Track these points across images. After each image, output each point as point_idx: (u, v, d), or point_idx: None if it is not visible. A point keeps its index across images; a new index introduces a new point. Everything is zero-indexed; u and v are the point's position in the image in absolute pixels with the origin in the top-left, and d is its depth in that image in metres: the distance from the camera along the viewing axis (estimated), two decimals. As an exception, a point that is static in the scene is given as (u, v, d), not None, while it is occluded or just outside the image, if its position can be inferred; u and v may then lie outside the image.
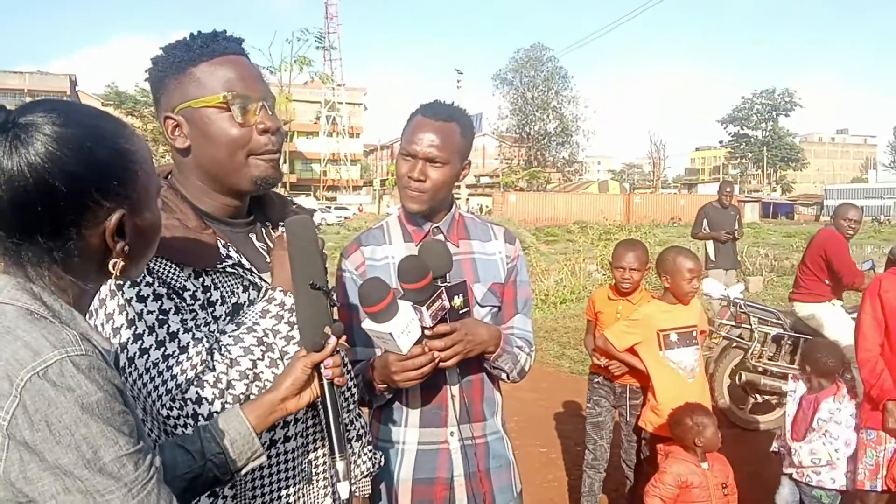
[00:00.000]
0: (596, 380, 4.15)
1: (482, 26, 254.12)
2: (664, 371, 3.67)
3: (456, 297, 1.82)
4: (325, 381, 1.35)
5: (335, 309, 1.47)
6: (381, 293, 1.65)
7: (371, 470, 1.83)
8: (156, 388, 1.33)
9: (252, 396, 1.38)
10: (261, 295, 1.52)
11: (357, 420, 1.79)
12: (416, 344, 1.75)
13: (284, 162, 56.02)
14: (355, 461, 1.78)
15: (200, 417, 1.33)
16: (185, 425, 1.33)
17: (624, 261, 4.06)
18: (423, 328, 1.75)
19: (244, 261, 1.51)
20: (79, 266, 1.02)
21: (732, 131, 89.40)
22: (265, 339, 1.43)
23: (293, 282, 1.41)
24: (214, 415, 1.33)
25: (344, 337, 1.43)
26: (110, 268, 1.05)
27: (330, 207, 49.49)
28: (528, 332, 2.14)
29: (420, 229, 2.08)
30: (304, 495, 1.57)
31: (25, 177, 0.94)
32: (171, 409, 1.33)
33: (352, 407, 1.76)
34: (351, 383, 1.73)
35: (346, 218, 45.02)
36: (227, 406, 1.35)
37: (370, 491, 1.85)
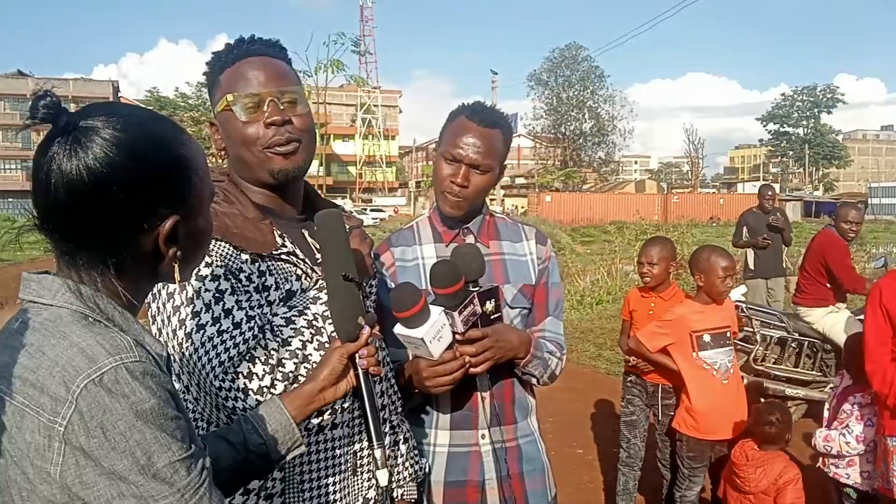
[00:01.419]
0: (629, 379, 4.14)
1: (517, 27, 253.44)
2: (698, 373, 3.64)
3: (488, 302, 1.80)
4: (360, 371, 1.38)
5: (367, 300, 1.49)
6: (413, 298, 1.65)
7: (417, 475, 1.85)
8: (209, 360, 1.39)
9: (301, 377, 1.42)
10: (312, 284, 1.57)
11: (403, 424, 1.82)
12: (447, 349, 1.74)
13: (320, 164, 56.82)
14: (403, 463, 1.81)
15: (250, 392, 1.38)
16: (235, 398, 1.39)
17: (644, 255, 4.07)
18: (455, 333, 1.74)
19: (298, 251, 1.57)
20: (132, 270, 1.03)
21: (773, 129, 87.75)
22: (315, 322, 1.48)
23: (324, 274, 1.44)
24: (264, 389, 1.38)
25: (377, 327, 1.45)
26: (171, 272, 1.06)
27: (366, 209, 49.73)
28: (559, 335, 2.11)
29: (450, 230, 2.06)
30: (349, 485, 1.62)
31: (83, 180, 0.95)
32: (223, 381, 1.39)
33: (398, 408, 1.79)
34: (391, 381, 1.76)
35: (381, 220, 45.21)
36: (276, 382, 1.40)
37: (416, 496, 1.85)
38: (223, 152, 1.65)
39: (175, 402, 0.98)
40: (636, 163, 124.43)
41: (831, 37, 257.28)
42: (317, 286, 1.54)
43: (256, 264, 1.51)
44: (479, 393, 1.97)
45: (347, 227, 1.53)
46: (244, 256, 1.50)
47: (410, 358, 1.89)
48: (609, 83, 66.76)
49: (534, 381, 2.02)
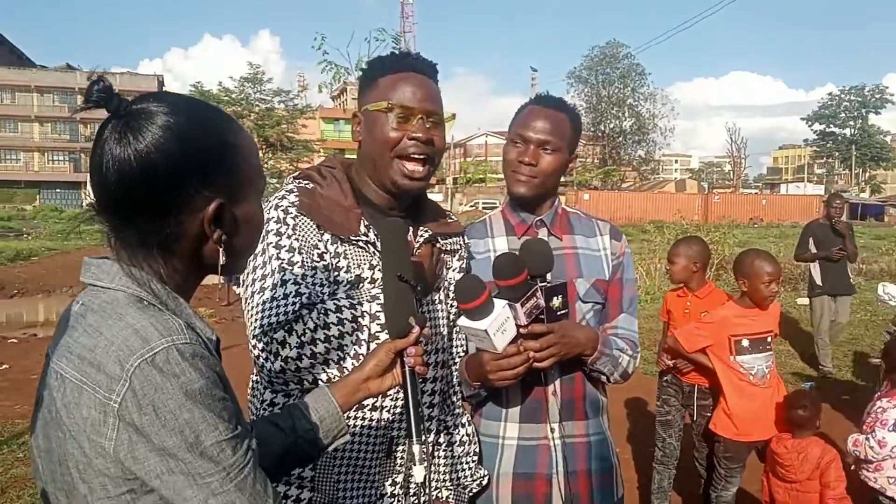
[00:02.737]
0: (665, 378, 4.13)
1: (558, 24, 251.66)
2: (734, 376, 3.62)
3: (555, 298, 1.80)
4: (406, 369, 1.41)
5: (422, 305, 1.55)
6: (477, 289, 1.66)
7: (471, 482, 1.89)
8: (257, 320, 1.55)
9: (331, 361, 1.52)
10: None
11: (462, 428, 1.89)
12: (511, 343, 1.75)
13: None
14: (458, 464, 1.88)
15: (279, 357, 1.51)
16: (265, 359, 1.52)
17: (669, 253, 4.06)
18: (518, 327, 1.74)
19: (379, 243, 1.63)
20: (180, 253, 1.07)
21: (818, 129, 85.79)
22: (361, 319, 1.56)
23: (383, 273, 1.50)
24: (289, 359, 1.50)
25: (427, 329, 1.49)
26: (215, 256, 1.09)
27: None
28: (632, 332, 2.07)
29: (523, 222, 2.06)
30: (381, 465, 1.69)
31: (132, 162, 0.99)
32: (259, 340, 1.53)
33: (455, 409, 1.87)
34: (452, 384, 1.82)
35: (419, 215, 45.19)
36: (303, 357, 1.51)
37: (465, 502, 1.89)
38: (359, 144, 1.78)
39: (223, 384, 1.02)
40: (676, 162, 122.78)
41: (881, 35, 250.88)
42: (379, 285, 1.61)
43: (335, 245, 1.65)
44: (549, 387, 1.97)
45: (422, 238, 1.74)
46: (326, 236, 1.63)
47: (473, 351, 1.90)
48: (650, 81, 66.25)
49: (603, 378, 2.00)
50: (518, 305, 1.72)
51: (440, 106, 1.76)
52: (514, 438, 2.00)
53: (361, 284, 1.64)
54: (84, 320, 1.01)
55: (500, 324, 1.70)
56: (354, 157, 1.86)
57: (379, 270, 1.63)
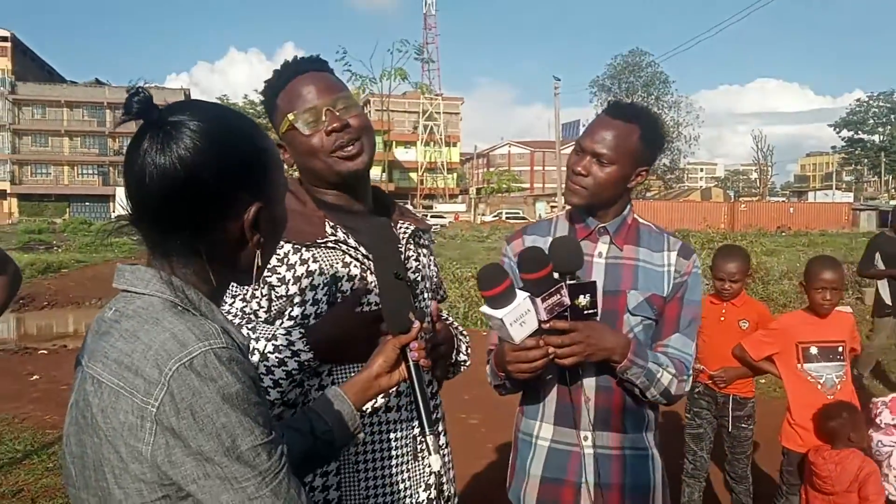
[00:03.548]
0: (697, 390, 4.05)
1: (580, 33, 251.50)
2: (801, 385, 3.51)
3: (582, 297, 1.78)
4: (411, 363, 1.43)
5: (417, 300, 1.57)
6: (497, 278, 1.68)
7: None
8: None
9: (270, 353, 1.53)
10: (365, 270, 1.67)
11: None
12: (530, 336, 1.74)
13: (383, 170, 57.43)
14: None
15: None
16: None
17: (722, 270, 3.96)
18: (540, 321, 1.74)
19: (351, 240, 1.66)
20: (218, 259, 1.08)
21: (846, 136, 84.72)
22: (262, 360, 1.53)
23: (376, 274, 1.52)
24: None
25: (427, 323, 1.51)
26: (252, 259, 1.11)
27: (426, 215, 50.08)
28: (685, 354, 1.97)
29: (586, 227, 2.02)
30: (409, 470, 1.68)
31: (177, 170, 1.00)
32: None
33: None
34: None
35: (442, 226, 45.44)
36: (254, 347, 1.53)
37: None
38: (293, 168, 1.77)
39: (257, 389, 1.02)
40: (702, 170, 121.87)
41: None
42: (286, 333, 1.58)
43: (299, 253, 1.63)
44: (583, 392, 1.93)
45: (406, 233, 1.74)
46: (286, 247, 1.63)
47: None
48: (674, 89, 65.79)
49: (636, 391, 1.92)
50: (539, 300, 1.72)
51: (340, 89, 1.73)
52: (546, 440, 1.99)
53: (340, 284, 1.64)
54: (119, 325, 1.01)
55: (520, 315, 1.70)
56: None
57: (354, 267, 1.66)
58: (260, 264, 1.12)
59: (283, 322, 1.62)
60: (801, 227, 40.56)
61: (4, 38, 62.63)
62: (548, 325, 1.74)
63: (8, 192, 61.31)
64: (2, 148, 62.20)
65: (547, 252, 1.80)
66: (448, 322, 1.80)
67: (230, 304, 1.60)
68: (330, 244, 1.65)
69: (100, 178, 63.61)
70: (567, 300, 1.75)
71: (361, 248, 1.66)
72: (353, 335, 1.56)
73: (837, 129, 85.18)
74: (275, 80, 1.73)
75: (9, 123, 61.84)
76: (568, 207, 2.12)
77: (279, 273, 1.61)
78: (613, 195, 1.98)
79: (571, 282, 1.78)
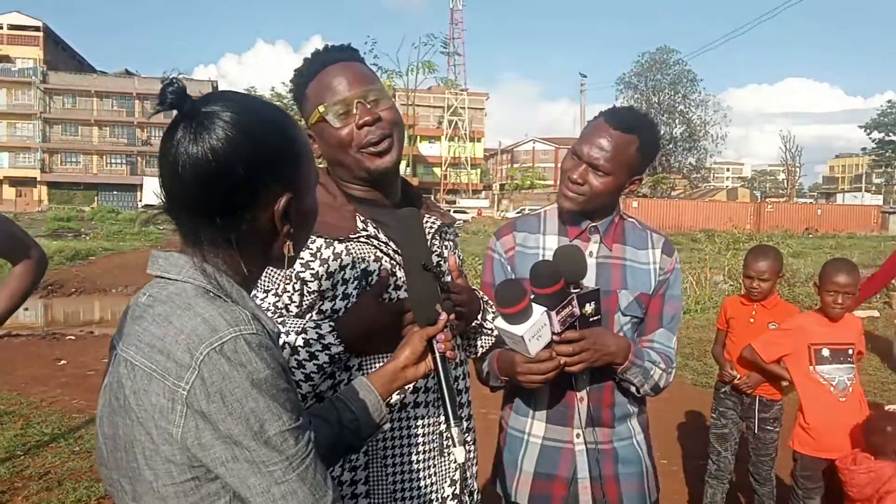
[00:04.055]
0: (723, 390, 4.01)
1: (607, 30, 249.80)
2: (813, 387, 3.49)
3: (588, 305, 1.80)
4: (437, 355, 1.43)
5: (443, 289, 1.56)
6: (517, 296, 1.68)
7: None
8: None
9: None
10: (396, 265, 1.66)
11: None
12: (544, 349, 1.76)
13: (407, 165, 57.55)
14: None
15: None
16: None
17: (752, 269, 3.91)
18: (553, 333, 1.75)
19: (381, 235, 1.66)
20: (249, 248, 1.10)
21: (877, 138, 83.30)
22: (293, 354, 1.53)
23: (404, 265, 1.51)
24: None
25: (453, 315, 1.51)
26: (283, 249, 1.12)
27: (449, 210, 49.97)
28: (669, 347, 2.05)
29: (577, 226, 2.04)
30: (434, 465, 1.69)
31: (209, 160, 1.02)
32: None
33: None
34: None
35: (465, 221, 45.38)
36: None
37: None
38: (321, 160, 1.74)
39: (286, 375, 1.03)
40: (728, 170, 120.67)
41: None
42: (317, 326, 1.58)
43: (332, 248, 1.62)
44: (576, 393, 1.97)
45: (433, 228, 1.73)
46: (318, 241, 1.61)
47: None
48: (702, 87, 65.12)
49: (633, 389, 1.99)
50: (553, 314, 1.73)
51: (372, 80, 1.70)
52: (539, 437, 2.03)
53: (371, 278, 1.63)
54: (152, 310, 1.03)
55: (537, 330, 1.72)
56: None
57: (385, 262, 1.65)
58: (291, 253, 1.14)
59: (312, 316, 1.62)
60: (829, 229, 40.01)
61: (37, 28, 63.56)
62: (560, 337, 1.76)
63: (38, 179, 62.23)
64: (32, 136, 63.13)
65: (552, 260, 1.82)
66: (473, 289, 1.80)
67: (262, 300, 1.59)
68: (361, 239, 1.64)
69: (128, 167, 64.33)
70: (577, 311, 1.78)
71: (391, 244, 1.65)
72: (381, 325, 1.56)
73: (868, 131, 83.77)
74: (305, 68, 1.70)
75: (39, 112, 62.73)
76: (556, 205, 2.13)
77: (312, 269, 1.60)
78: (607, 203, 2.02)
79: (576, 290, 1.80)
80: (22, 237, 2.78)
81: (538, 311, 1.72)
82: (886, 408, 5.26)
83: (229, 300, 1.04)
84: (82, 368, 7.66)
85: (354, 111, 1.64)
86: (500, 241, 2.12)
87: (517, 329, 1.70)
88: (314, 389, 1.55)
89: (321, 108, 1.65)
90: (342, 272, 1.62)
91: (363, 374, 1.59)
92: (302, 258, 1.58)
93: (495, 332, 1.86)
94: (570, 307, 1.76)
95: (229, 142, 1.03)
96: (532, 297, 1.74)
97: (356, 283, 1.62)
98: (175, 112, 1.05)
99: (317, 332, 1.53)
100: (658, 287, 2.04)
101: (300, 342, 1.52)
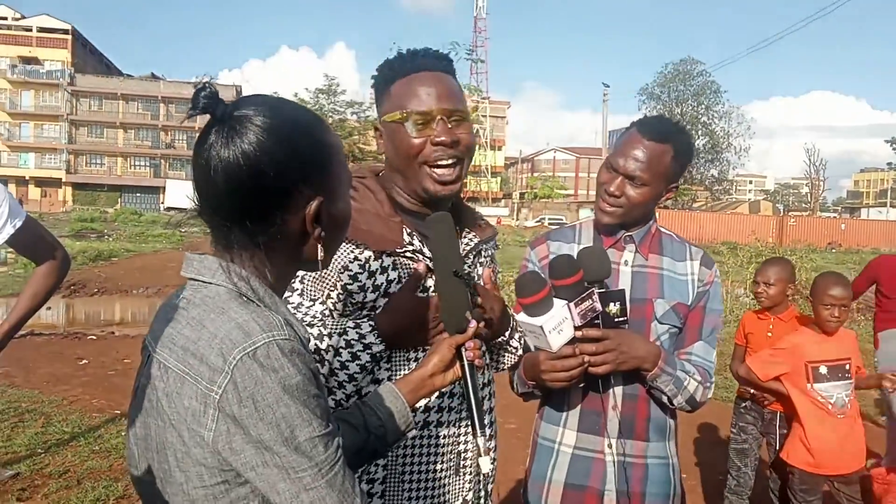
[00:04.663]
0: (743, 405, 3.99)
1: (631, 40, 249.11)
2: (812, 406, 3.45)
3: (612, 304, 1.79)
4: (465, 363, 1.42)
5: (474, 297, 1.54)
6: (536, 286, 1.68)
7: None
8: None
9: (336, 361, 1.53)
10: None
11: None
12: (567, 345, 1.75)
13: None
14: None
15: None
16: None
17: (760, 275, 3.94)
18: (575, 329, 1.74)
19: (425, 249, 1.63)
20: (280, 251, 1.10)
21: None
22: (336, 356, 1.53)
23: (435, 271, 1.50)
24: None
25: (483, 323, 1.49)
26: (315, 253, 1.12)
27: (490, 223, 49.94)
28: (708, 361, 2.01)
29: (612, 236, 2.04)
30: (450, 483, 1.67)
31: (240, 164, 1.02)
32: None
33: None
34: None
35: (484, 229, 45.20)
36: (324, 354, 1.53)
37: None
38: (385, 156, 1.71)
39: (316, 382, 1.03)
40: (751, 182, 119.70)
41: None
42: (357, 327, 1.57)
43: (380, 260, 1.59)
44: (610, 400, 1.95)
45: (469, 245, 1.70)
46: (366, 253, 1.57)
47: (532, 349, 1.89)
48: (725, 99, 64.62)
49: (664, 399, 1.95)
50: (572, 305, 1.72)
51: (460, 101, 1.65)
52: (570, 446, 2.00)
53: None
54: (186, 313, 1.03)
55: (558, 322, 1.71)
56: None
57: (429, 279, 1.62)
58: (322, 257, 1.13)
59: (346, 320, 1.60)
60: (853, 244, 39.51)
61: (66, 31, 64.57)
62: (581, 332, 1.75)
63: (63, 180, 63.14)
64: (59, 137, 64.10)
65: (575, 257, 1.81)
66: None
67: (308, 308, 1.57)
68: (408, 253, 1.62)
69: (151, 169, 65.09)
70: (599, 306, 1.76)
71: (427, 260, 1.62)
72: (419, 319, 1.55)
73: (894, 146, 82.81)
74: (398, 63, 1.65)
75: (66, 114, 63.68)
76: (592, 216, 2.13)
77: (360, 280, 1.58)
78: (645, 212, 2.01)
79: (601, 290, 1.79)
80: (48, 238, 2.82)
81: (559, 303, 1.71)
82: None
83: (262, 305, 1.05)
84: (103, 368, 7.73)
85: (434, 126, 1.60)
86: (535, 251, 2.13)
87: (537, 320, 1.69)
88: (357, 389, 1.55)
89: (402, 113, 1.61)
90: (388, 286, 1.59)
91: (388, 375, 1.58)
92: (350, 269, 1.56)
93: (520, 351, 1.85)
94: (591, 301, 1.75)
95: (261, 146, 1.03)
96: (553, 291, 1.73)
97: None
98: (208, 117, 1.06)
99: (357, 332, 1.53)
100: (697, 299, 2.01)
101: (342, 343, 1.52)
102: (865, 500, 3.42)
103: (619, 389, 1.95)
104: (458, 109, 1.63)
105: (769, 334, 3.91)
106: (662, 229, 2.10)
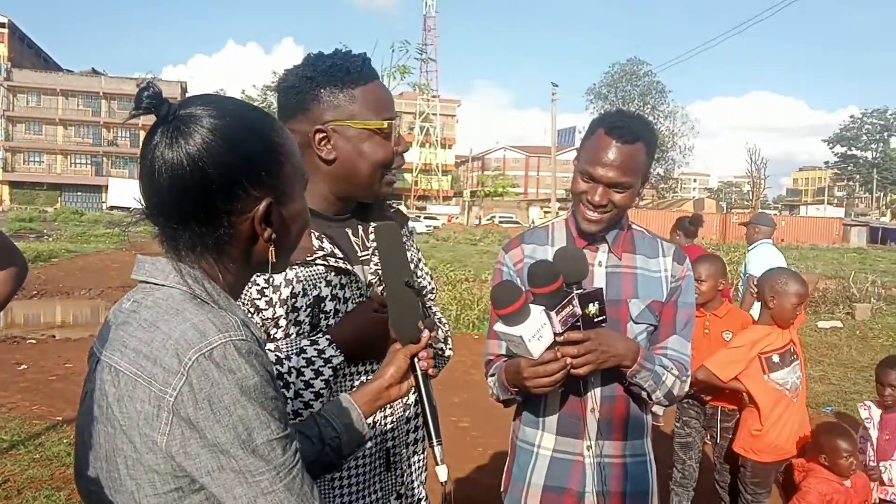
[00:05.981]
0: (686, 400, 4.07)
1: (578, 40, 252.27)
2: (772, 395, 3.55)
3: (591, 305, 1.77)
4: (419, 372, 1.41)
5: (424, 305, 1.53)
6: (511, 296, 1.67)
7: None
8: None
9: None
10: (351, 281, 1.62)
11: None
12: (547, 350, 1.73)
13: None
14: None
15: None
16: None
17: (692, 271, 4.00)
18: (555, 334, 1.73)
19: (337, 251, 1.61)
20: (231, 254, 1.08)
21: (839, 152, 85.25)
22: (299, 376, 1.51)
23: (384, 281, 1.48)
24: None
25: (434, 332, 1.49)
26: (265, 255, 1.10)
27: (419, 217, 50.04)
28: (683, 355, 2.01)
29: (583, 237, 2.03)
30: (381, 480, 1.66)
31: (184, 166, 1.00)
32: None
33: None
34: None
35: (435, 227, 45.42)
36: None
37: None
38: (327, 162, 1.62)
39: (273, 383, 1.01)
40: (695, 181, 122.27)
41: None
42: (313, 342, 1.56)
43: (283, 274, 1.54)
44: (588, 402, 1.94)
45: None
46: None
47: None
48: (670, 99, 65.93)
49: (644, 394, 1.95)
50: (553, 313, 1.71)
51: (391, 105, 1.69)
52: (549, 449, 2.00)
53: (323, 304, 1.58)
54: (138, 315, 1.01)
55: (536, 329, 1.69)
56: None
57: (336, 288, 1.60)
58: (275, 259, 1.11)
59: (303, 336, 1.57)
60: (792, 240, 40.72)
61: (2, 25, 62.25)
62: (562, 336, 1.73)
63: (-1, 179, 61.02)
64: (-6, 135, 61.87)
65: (550, 261, 1.80)
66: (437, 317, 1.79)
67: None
68: (317, 261, 1.58)
69: (93, 167, 63.23)
70: (579, 310, 1.74)
71: (341, 261, 1.61)
72: (375, 334, 1.55)
73: (831, 145, 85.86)
74: (355, 67, 1.60)
75: (2, 110, 61.45)
76: (564, 215, 2.12)
77: (267, 296, 1.54)
78: (626, 213, 2.02)
79: (579, 291, 1.78)
80: (7, 244, 2.74)
81: (536, 310, 1.70)
82: (824, 409, 5.36)
83: (217, 307, 1.02)
84: (44, 373, 7.49)
85: (395, 134, 1.65)
86: (509, 255, 2.10)
87: (516, 330, 1.68)
88: (323, 404, 1.51)
89: (387, 123, 1.62)
90: (294, 300, 1.55)
91: (341, 387, 1.57)
92: (258, 284, 1.53)
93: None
94: (571, 306, 1.73)
95: (206, 147, 1.01)
96: (532, 298, 1.73)
97: (308, 310, 1.57)
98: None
99: (315, 349, 1.51)
100: (670, 294, 2.02)
101: (302, 362, 1.50)
102: (787, 487, 3.54)
103: (597, 392, 1.95)
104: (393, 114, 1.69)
105: (706, 331, 4.01)
106: (634, 226, 2.09)
